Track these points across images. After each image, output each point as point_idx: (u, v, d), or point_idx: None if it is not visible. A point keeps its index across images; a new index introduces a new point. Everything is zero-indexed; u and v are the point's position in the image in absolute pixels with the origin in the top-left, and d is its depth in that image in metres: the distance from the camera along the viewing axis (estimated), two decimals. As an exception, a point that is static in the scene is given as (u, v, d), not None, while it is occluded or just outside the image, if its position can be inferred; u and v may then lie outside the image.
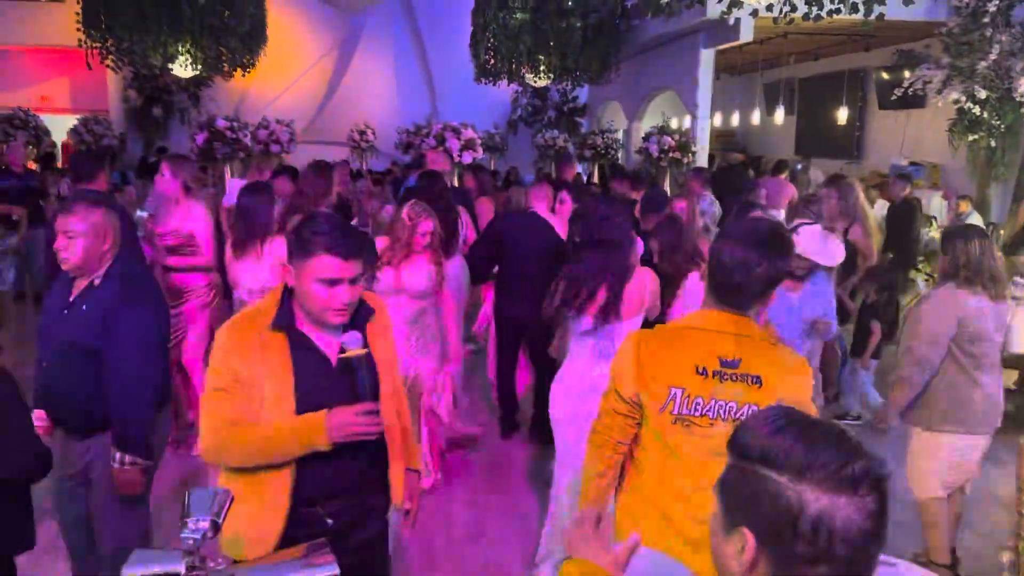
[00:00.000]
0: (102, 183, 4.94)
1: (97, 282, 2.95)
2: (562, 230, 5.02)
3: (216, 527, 1.71)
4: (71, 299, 2.96)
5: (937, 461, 3.65)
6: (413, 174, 7.82)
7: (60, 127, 14.67)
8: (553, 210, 5.38)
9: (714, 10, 9.12)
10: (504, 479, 4.90)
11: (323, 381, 2.20)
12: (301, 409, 2.15)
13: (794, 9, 8.75)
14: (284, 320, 2.19)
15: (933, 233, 9.75)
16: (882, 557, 1.71)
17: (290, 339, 2.18)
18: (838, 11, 8.77)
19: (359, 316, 2.29)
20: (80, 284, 2.98)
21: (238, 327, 2.22)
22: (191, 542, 1.68)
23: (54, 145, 14.95)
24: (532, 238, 5.13)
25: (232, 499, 1.82)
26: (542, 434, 5.08)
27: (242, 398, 2.15)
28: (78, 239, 2.89)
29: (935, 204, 10.65)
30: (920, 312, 3.63)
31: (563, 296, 3.60)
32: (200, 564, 1.70)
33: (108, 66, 11.32)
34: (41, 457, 2.63)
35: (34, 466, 2.61)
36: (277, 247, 4.36)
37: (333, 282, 2.12)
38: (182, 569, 1.69)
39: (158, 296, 3.18)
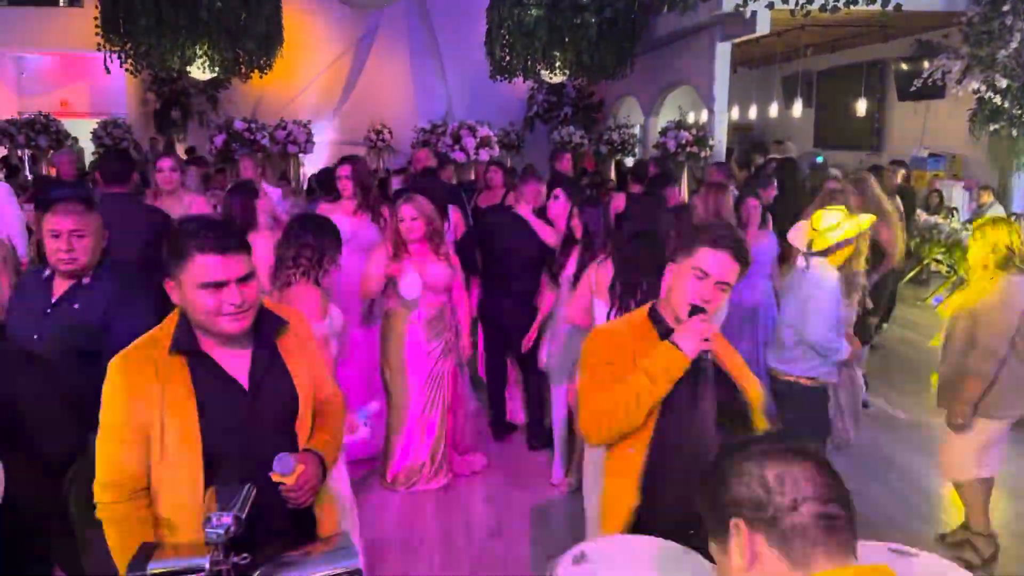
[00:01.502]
0: (130, 185, 4.88)
1: (86, 281, 2.86)
2: (548, 229, 4.90)
3: (239, 522, 1.72)
4: (54, 300, 2.84)
5: (985, 445, 3.83)
6: (395, 177, 7.87)
7: (80, 131, 14.83)
8: (545, 207, 5.13)
9: (730, 3, 9.07)
10: (522, 475, 4.89)
11: (232, 408, 1.97)
12: (209, 444, 1.93)
13: (811, 1, 8.69)
14: (183, 343, 1.94)
15: (954, 224, 9.64)
16: (903, 548, 1.71)
17: (191, 364, 1.94)
18: (855, 2, 8.69)
19: (264, 328, 2.04)
20: (62, 283, 2.86)
21: (130, 358, 1.95)
22: (215, 537, 1.70)
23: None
24: (511, 240, 4.98)
25: (255, 493, 1.83)
26: (539, 438, 5.08)
27: (137, 446, 1.92)
28: (87, 238, 2.84)
29: (957, 195, 10.54)
30: (991, 307, 3.68)
31: (622, 297, 3.58)
32: (224, 559, 1.72)
33: (127, 70, 11.40)
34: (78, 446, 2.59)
35: (72, 453, 2.55)
36: (258, 245, 4.29)
37: (217, 285, 1.87)
38: (206, 564, 1.71)
39: (150, 295, 2.93)
